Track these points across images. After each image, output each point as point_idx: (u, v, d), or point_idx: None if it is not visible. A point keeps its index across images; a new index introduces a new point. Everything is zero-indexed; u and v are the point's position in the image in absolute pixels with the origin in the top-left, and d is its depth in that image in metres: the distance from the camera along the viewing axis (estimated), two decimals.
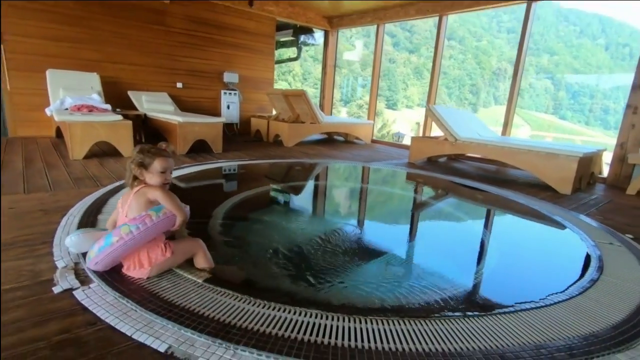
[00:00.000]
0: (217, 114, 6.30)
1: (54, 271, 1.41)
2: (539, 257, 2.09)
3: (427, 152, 4.79)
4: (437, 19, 5.86)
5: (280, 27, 7.39)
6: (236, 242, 1.99)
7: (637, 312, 1.39)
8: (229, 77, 6.30)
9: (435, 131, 5.67)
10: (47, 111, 4.23)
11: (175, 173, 3.12)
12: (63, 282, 1.32)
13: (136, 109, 5.06)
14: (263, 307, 1.24)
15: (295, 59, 8.89)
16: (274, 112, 6.88)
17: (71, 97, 4.17)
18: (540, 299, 1.45)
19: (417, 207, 3.16)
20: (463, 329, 1.20)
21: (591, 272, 1.73)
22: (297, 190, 3.36)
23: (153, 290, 1.30)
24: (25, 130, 4.69)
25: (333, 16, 7.37)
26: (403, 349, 1.08)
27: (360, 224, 2.52)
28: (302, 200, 3.09)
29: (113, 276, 1.38)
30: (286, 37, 8.23)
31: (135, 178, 1.42)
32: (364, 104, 28.33)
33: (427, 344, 1.11)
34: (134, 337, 1.07)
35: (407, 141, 8.96)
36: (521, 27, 4.89)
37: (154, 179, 1.40)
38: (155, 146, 1.46)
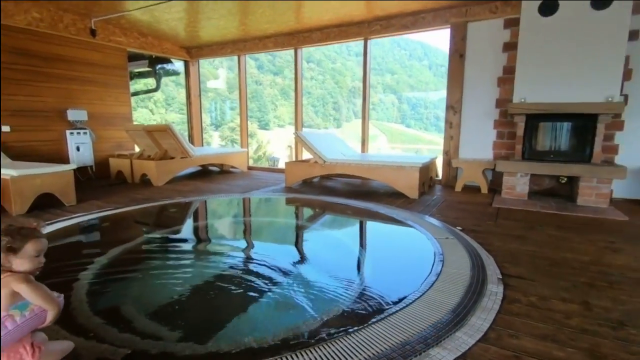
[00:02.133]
0: (63, 157, 5.42)
1: None
2: (399, 261, 2.50)
3: (301, 175, 5.11)
4: (293, 50, 6.38)
5: (134, 58, 6.88)
6: (111, 309, 1.79)
7: (466, 294, 1.81)
8: (75, 114, 5.52)
9: (307, 154, 6.10)
10: None
11: None
12: None
13: None
14: None
15: (154, 90, 8.33)
16: (137, 149, 6.30)
17: None
18: (403, 299, 1.75)
19: (297, 231, 3.36)
20: (346, 347, 1.37)
21: (436, 267, 2.17)
22: (178, 235, 3.17)
23: None
24: None
25: (191, 47, 7.25)
26: None
27: (247, 258, 2.56)
28: (183, 245, 2.94)
29: None
30: (142, 68, 7.68)
31: None
32: (236, 126, 28.18)
33: None
34: None
35: (282, 165, 9.34)
36: (362, 57, 5.74)
37: (25, 265, 1.16)
38: (23, 225, 1.23)
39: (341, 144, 5.77)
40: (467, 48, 4.83)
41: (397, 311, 1.65)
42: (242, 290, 1.99)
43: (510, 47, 4.49)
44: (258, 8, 4.99)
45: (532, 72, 4.03)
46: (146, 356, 1.39)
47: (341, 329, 1.54)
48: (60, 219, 3.28)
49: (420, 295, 1.80)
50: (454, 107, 4.99)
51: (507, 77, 4.52)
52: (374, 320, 1.58)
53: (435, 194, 4.57)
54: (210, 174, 6.51)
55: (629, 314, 1.65)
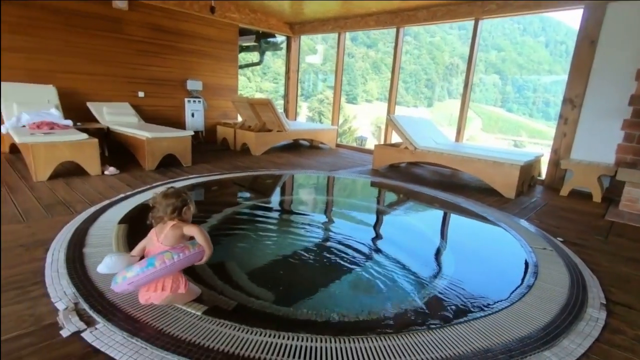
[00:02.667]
0: (180, 122, 6.24)
1: (56, 314, 1.49)
2: (486, 265, 2.44)
3: (390, 160, 5.11)
4: (394, 28, 6.20)
5: (243, 32, 7.40)
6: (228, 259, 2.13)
7: (561, 313, 1.73)
8: (193, 84, 6.25)
9: (396, 137, 6.02)
10: (2, 129, 4.03)
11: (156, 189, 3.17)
12: (69, 324, 1.42)
13: (97, 122, 4.92)
14: (260, 335, 1.42)
15: (258, 64, 8.90)
16: (240, 119, 6.92)
17: (28, 112, 4.00)
18: (488, 306, 1.75)
19: (385, 218, 3.44)
20: (427, 341, 1.46)
21: (528, 278, 2.08)
22: (274, 205, 3.52)
23: (158, 327, 1.43)
24: None
25: (294, 23, 7.50)
26: None
27: (335, 235, 2.75)
28: (279, 215, 3.26)
29: (116, 315, 1.49)
30: (249, 42, 8.23)
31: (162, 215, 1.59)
32: (324, 98, 28.64)
33: (399, 357, 1.35)
34: None
35: (369, 145, 9.34)
36: (465, 33, 5.34)
37: (189, 216, 1.63)
38: (178, 190, 1.63)
39: (434, 130, 5.56)
40: (601, 33, 4.16)
41: (481, 317, 1.66)
42: (328, 265, 2.18)
43: None
44: None
45: None
46: (249, 310, 1.65)
47: (423, 322, 1.63)
48: (180, 178, 3.87)
49: (508, 306, 1.77)
50: (573, 100, 4.41)
51: None
52: (457, 321, 1.62)
53: (535, 196, 4.20)
54: (300, 148, 6.87)
55: None
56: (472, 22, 5.25)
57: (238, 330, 1.44)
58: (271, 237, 2.67)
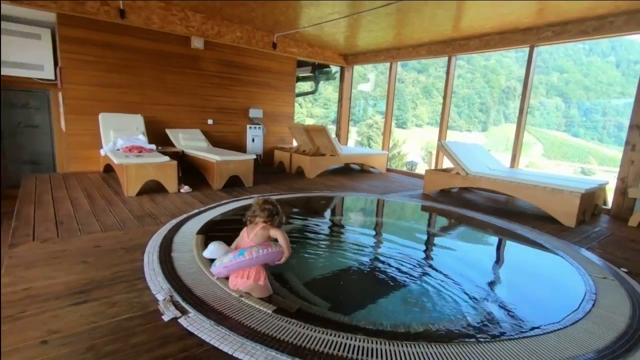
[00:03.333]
0: (242, 146, 6.82)
1: (157, 303, 1.82)
2: (542, 290, 2.44)
3: (440, 185, 5.16)
4: (446, 57, 6.35)
5: (300, 64, 7.98)
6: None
7: (617, 340, 1.73)
8: (254, 112, 6.85)
9: (447, 162, 6.05)
10: (102, 152, 4.78)
11: (231, 206, 3.58)
12: (168, 312, 1.74)
13: (173, 146, 5.60)
14: (321, 333, 1.63)
15: (312, 92, 9.46)
16: (295, 144, 7.38)
17: (121, 137, 4.72)
18: (539, 327, 1.80)
19: (436, 241, 3.52)
20: (476, 352, 1.56)
21: (585, 304, 2.07)
22: (328, 222, 3.76)
23: (237, 319, 1.70)
24: (76, 166, 5.24)
25: (348, 54, 7.95)
26: None
27: (386, 254, 2.90)
28: (334, 232, 3.48)
29: (204, 307, 1.79)
30: (305, 73, 8.83)
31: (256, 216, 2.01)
32: (373, 123, 29.00)
33: None
34: (234, 355, 1.47)
35: (419, 170, 9.36)
36: (524, 61, 5.33)
37: (275, 222, 2.01)
38: (274, 201, 2.03)
39: (487, 156, 5.52)
40: None
41: (531, 336, 1.72)
42: (380, 279, 2.34)
43: None
44: (416, 20, 5.21)
45: None
46: (308, 314, 1.87)
47: (472, 335, 1.73)
48: (244, 197, 4.27)
49: (560, 329, 1.80)
50: None
51: None
52: (506, 336, 1.70)
53: (600, 226, 4.00)
54: (352, 172, 7.11)
55: None
56: (527, 49, 5.26)
57: (303, 328, 1.66)
58: (325, 251, 2.89)
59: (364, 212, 4.51)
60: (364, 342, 1.59)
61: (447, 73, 6.46)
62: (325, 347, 1.54)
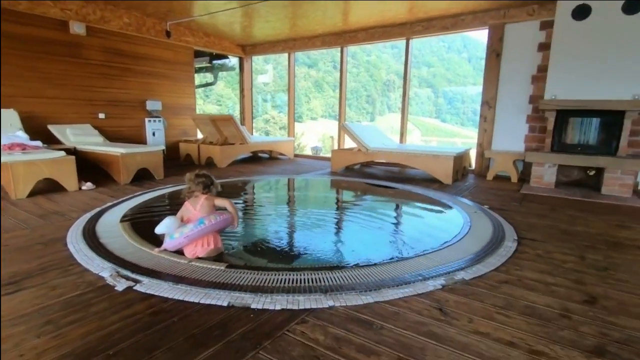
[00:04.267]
0: (142, 141, 6.38)
1: (104, 280, 1.81)
2: (435, 224, 3.09)
3: (346, 162, 5.75)
4: (339, 48, 6.98)
5: (198, 55, 7.75)
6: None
7: (486, 246, 2.39)
8: (152, 105, 6.46)
9: (349, 143, 6.71)
10: None
11: (147, 195, 3.44)
12: (119, 284, 1.76)
13: (60, 143, 4.98)
14: (269, 274, 1.87)
15: (212, 84, 9.24)
16: (200, 135, 7.20)
17: None
18: (439, 246, 2.36)
19: (347, 203, 4.01)
20: (399, 266, 2.01)
21: (464, 228, 2.74)
22: (256, 198, 3.92)
23: (195, 277, 1.82)
24: None
25: (246, 45, 8.03)
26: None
27: (308, 217, 3.24)
28: (263, 204, 3.67)
29: (156, 274, 1.85)
30: (202, 64, 8.58)
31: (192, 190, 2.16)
32: (270, 118, 29.23)
33: (386, 275, 1.88)
34: (201, 302, 1.61)
35: (324, 154, 10.00)
36: (398, 51, 6.24)
37: (214, 191, 2.20)
38: (205, 172, 2.18)
39: (381, 135, 6.33)
40: (503, 48, 5.22)
41: (433, 251, 2.25)
42: (307, 235, 2.67)
43: (544, 47, 4.83)
44: (310, 12, 5.63)
45: (564, 71, 4.39)
46: (255, 267, 2.08)
47: (391, 256, 2.18)
48: (159, 188, 4.12)
49: (451, 245, 2.39)
50: (488, 102, 5.41)
51: (541, 75, 4.87)
52: (418, 254, 2.20)
53: (468, 181, 5.05)
54: (261, 159, 7.30)
55: (615, 265, 2.16)
56: (404, 41, 6.17)
57: (257, 274, 1.88)
58: (259, 221, 3.10)
59: (283, 189, 4.78)
60: (307, 274, 1.89)
61: (341, 63, 7.10)
62: (279, 283, 1.79)
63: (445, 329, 1.45)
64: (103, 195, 3.73)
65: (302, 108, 40.59)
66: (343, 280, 1.84)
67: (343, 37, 6.75)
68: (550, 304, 1.67)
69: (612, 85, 4.15)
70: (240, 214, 3.13)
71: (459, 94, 47.88)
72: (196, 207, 2.12)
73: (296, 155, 7.89)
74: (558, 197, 4.06)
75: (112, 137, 5.87)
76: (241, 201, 3.91)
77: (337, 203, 4.16)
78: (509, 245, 2.43)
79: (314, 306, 1.59)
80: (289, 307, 1.58)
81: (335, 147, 7.64)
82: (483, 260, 2.14)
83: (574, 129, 4.61)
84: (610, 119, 4.33)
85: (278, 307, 1.58)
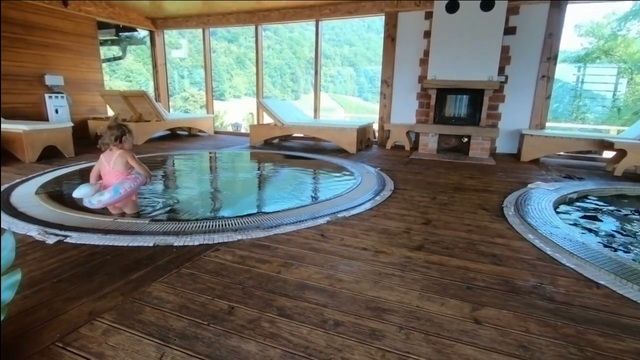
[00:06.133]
0: (42, 119, 5.96)
1: (32, 238, 2.02)
2: (342, 181, 3.71)
3: (264, 136, 6.14)
4: (254, 26, 7.18)
5: (102, 26, 7.28)
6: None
7: (373, 193, 3.06)
8: (53, 79, 6.03)
9: (267, 119, 7.07)
10: None
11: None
12: (49, 239, 2.00)
13: None
14: (194, 223, 2.27)
15: (120, 58, 8.70)
16: (111, 112, 6.91)
17: None
18: (332, 197, 2.95)
19: (266, 171, 4.46)
20: (309, 209, 2.54)
21: (358, 183, 3.40)
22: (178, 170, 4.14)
23: (120, 229, 2.13)
24: None
25: (157, 18, 7.74)
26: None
27: (229, 182, 3.63)
28: (192, 178, 3.93)
29: (84, 230, 2.11)
30: (107, 37, 8.04)
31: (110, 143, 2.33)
32: (189, 95, 27.78)
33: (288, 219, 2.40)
34: (129, 245, 1.95)
35: (244, 130, 10.20)
36: (314, 38, 6.73)
37: (128, 145, 2.37)
38: (117, 121, 2.34)
39: (297, 111, 6.81)
40: (397, 33, 6.00)
41: (325, 200, 2.84)
42: (226, 196, 3.09)
43: (428, 34, 5.69)
44: None
45: (441, 55, 5.29)
46: (176, 219, 2.46)
47: (305, 203, 2.72)
48: (71, 164, 4.09)
49: (341, 195, 3.01)
50: (387, 81, 6.21)
51: (426, 58, 5.75)
52: (314, 202, 2.76)
53: (371, 151, 5.83)
54: (180, 137, 7.30)
55: (454, 201, 2.98)
56: (314, 22, 6.63)
57: (179, 224, 2.26)
58: (181, 187, 3.40)
59: (202, 160, 5.02)
60: (222, 220, 2.33)
61: (256, 42, 7.32)
62: (199, 228, 2.20)
63: (322, 245, 2.03)
64: (8, 173, 3.63)
65: (224, 85, 39.02)
66: (252, 223, 2.31)
67: (257, 16, 6.96)
68: (400, 226, 2.36)
69: (475, 69, 5.15)
70: (160, 181, 3.39)
71: (379, 72, 50.50)
72: (110, 163, 2.35)
73: (216, 132, 8.02)
74: (436, 160, 5.01)
75: (6, 114, 5.40)
76: (161, 172, 4.11)
77: (252, 170, 4.58)
78: (386, 193, 3.13)
79: (226, 240, 2.05)
80: (206, 242, 2.01)
81: (256, 123, 7.94)
82: (363, 204, 2.79)
83: (450, 104, 5.61)
84: (474, 96, 5.38)
85: (197, 243, 2.00)
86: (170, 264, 1.75)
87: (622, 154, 4.26)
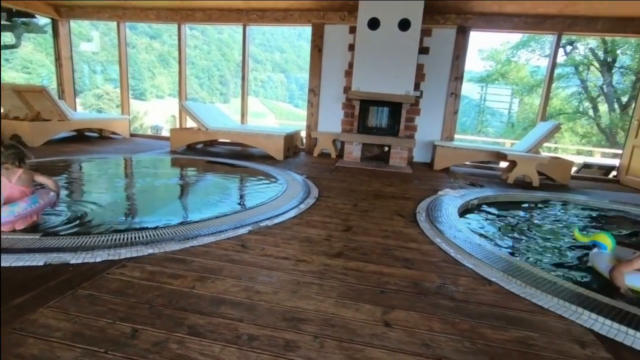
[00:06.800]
0: None
1: None
2: (260, 191, 3.66)
3: (186, 140, 5.82)
4: (176, 24, 6.81)
5: None
6: None
7: (299, 200, 3.07)
8: None
9: (191, 123, 6.72)
10: None
11: None
12: None
13: None
14: (98, 237, 2.04)
15: (13, 47, 7.55)
16: (1, 109, 5.96)
17: None
18: (256, 205, 2.90)
19: (187, 175, 4.21)
20: (238, 217, 2.44)
21: (283, 190, 3.39)
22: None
23: (9, 246, 1.83)
24: None
25: (61, 5, 6.91)
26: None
27: (146, 189, 3.35)
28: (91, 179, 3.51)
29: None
30: None
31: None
32: (103, 93, 25.19)
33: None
34: (14, 265, 1.68)
35: (165, 133, 9.59)
36: (241, 44, 6.61)
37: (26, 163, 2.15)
38: (13, 144, 2.13)
39: (223, 116, 6.60)
40: (324, 44, 6.18)
41: (249, 209, 2.78)
42: (146, 200, 2.85)
43: (353, 48, 5.97)
44: None
45: (363, 69, 5.58)
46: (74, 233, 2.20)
47: (215, 215, 2.61)
48: None
49: (266, 203, 2.97)
50: (314, 90, 6.35)
51: (351, 70, 6.01)
52: (237, 211, 2.68)
53: (299, 158, 5.89)
54: (89, 139, 6.58)
55: (373, 208, 3.14)
56: (242, 27, 6.52)
57: (78, 238, 2.01)
58: (86, 196, 3.04)
59: (114, 166, 4.57)
60: (131, 233, 2.14)
61: (179, 42, 6.95)
62: (102, 243, 1.98)
63: (242, 255, 1.97)
64: None
65: (145, 84, 36.28)
66: (166, 235, 2.16)
67: (180, 14, 6.61)
68: (321, 234, 2.41)
69: (394, 83, 5.52)
70: (63, 191, 3.01)
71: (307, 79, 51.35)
72: (13, 179, 2.09)
73: (133, 135, 7.39)
74: (359, 168, 5.24)
75: None
76: (64, 178, 3.65)
77: (171, 177, 4.30)
78: (310, 201, 3.18)
79: (134, 255, 1.88)
80: (110, 258, 1.82)
81: (177, 127, 7.50)
82: (286, 212, 2.79)
83: (372, 115, 5.93)
84: (394, 109, 5.77)
85: (99, 260, 1.80)
86: (63, 285, 1.55)
87: (513, 164, 4.91)
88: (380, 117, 5.91)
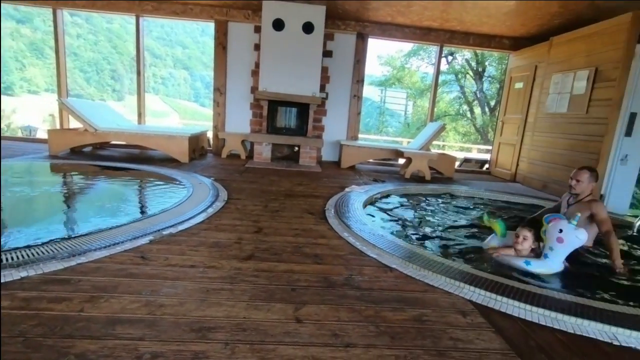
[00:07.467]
0: None
1: None
2: (163, 196, 3.38)
3: (69, 143, 5.07)
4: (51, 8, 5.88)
5: None
6: None
7: (206, 205, 2.92)
8: None
9: (75, 123, 5.88)
10: None
11: None
12: None
13: None
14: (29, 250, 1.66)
15: None
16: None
17: None
18: (158, 212, 2.68)
19: (68, 184, 3.67)
20: (107, 234, 2.19)
21: (188, 195, 3.19)
22: None
23: None
24: None
25: None
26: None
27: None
28: None
29: None
30: None
31: None
32: None
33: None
34: None
35: (41, 135, 8.30)
36: (135, 34, 6.03)
37: None
38: None
39: (116, 115, 5.93)
40: (228, 42, 6.00)
41: (149, 217, 2.55)
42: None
43: (259, 47, 5.92)
44: None
45: (270, 69, 5.58)
46: None
47: (107, 227, 2.34)
48: None
49: (168, 210, 2.76)
50: (219, 89, 6.12)
51: (257, 70, 5.96)
52: (135, 220, 2.44)
53: (206, 160, 5.61)
54: None
55: (284, 208, 3.16)
56: (134, 18, 5.94)
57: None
58: None
59: None
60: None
61: (55, 28, 6.02)
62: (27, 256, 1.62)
63: (141, 268, 1.80)
64: None
65: (11, 77, 30.56)
66: (45, 253, 1.86)
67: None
68: (231, 237, 2.34)
69: (301, 84, 5.64)
70: None
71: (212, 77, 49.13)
72: None
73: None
74: (270, 168, 5.23)
75: None
76: None
77: (51, 186, 3.72)
78: (219, 204, 3.06)
79: (2, 281, 1.57)
80: None
81: (57, 127, 6.50)
82: (193, 218, 2.64)
83: (281, 115, 5.97)
84: (302, 109, 5.90)
85: None
86: None
87: (409, 161, 5.44)
88: (288, 117, 5.99)
